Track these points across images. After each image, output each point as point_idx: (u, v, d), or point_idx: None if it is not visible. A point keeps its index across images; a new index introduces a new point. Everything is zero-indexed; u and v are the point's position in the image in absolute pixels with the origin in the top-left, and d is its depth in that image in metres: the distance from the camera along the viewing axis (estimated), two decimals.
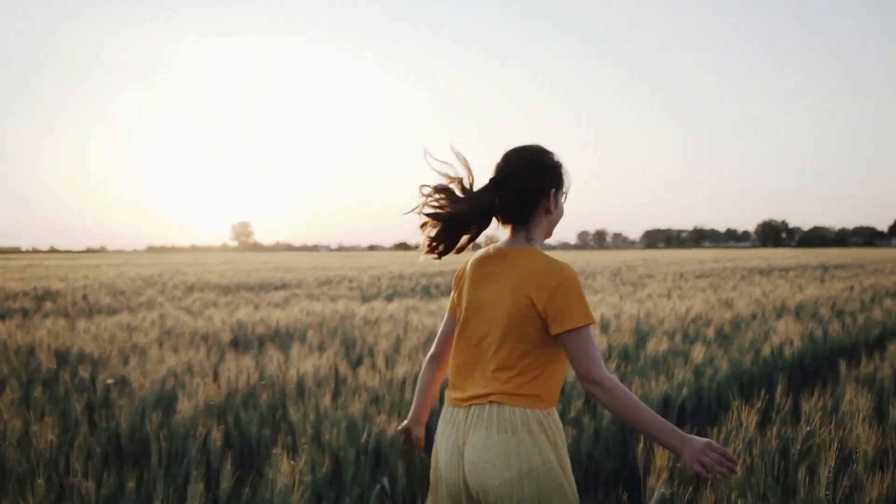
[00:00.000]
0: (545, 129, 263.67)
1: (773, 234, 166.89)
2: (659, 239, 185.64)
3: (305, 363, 4.63)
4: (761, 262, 19.17)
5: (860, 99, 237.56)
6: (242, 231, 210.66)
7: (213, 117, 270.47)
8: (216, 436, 3.46)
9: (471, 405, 1.91)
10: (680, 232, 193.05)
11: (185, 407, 3.69)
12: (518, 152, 1.96)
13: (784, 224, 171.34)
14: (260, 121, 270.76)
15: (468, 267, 2.03)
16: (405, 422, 2.18)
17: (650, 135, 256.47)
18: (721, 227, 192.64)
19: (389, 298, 11.68)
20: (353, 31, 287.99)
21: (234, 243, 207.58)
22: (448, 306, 2.12)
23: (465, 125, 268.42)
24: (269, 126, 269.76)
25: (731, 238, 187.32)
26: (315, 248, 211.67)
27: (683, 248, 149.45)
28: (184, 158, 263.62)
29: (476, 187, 1.94)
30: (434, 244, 1.94)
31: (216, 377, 4.55)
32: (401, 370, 4.42)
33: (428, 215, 1.93)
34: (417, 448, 2.17)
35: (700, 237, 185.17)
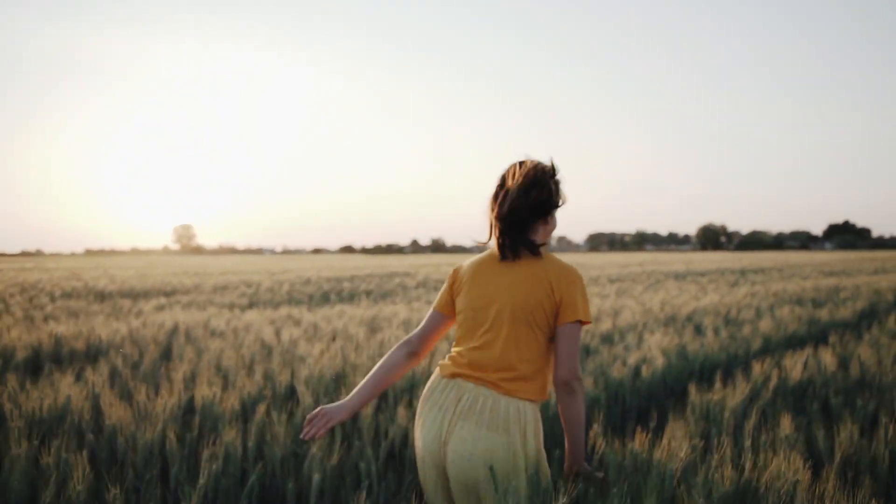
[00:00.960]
0: (490, 130, 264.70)
1: (712, 238, 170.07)
2: (602, 242, 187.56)
3: (63, 391, 3.78)
4: (681, 265, 18.80)
5: (797, 108, 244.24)
6: (184, 234, 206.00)
7: (156, 118, 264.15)
8: None
9: (468, 380, 2.04)
10: (623, 235, 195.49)
11: None
12: (539, 169, 2.09)
13: (723, 228, 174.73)
14: (204, 122, 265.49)
15: (469, 267, 2.17)
16: (343, 406, 2.14)
17: (595, 139, 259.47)
18: (663, 231, 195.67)
19: (277, 306, 10.85)
20: (296, 33, 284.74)
21: (175, 246, 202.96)
22: (436, 304, 2.22)
23: (409, 126, 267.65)
24: (213, 127, 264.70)
25: (673, 241, 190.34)
26: (259, 251, 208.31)
27: (626, 252, 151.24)
28: (126, 159, 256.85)
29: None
30: (506, 243, 2.10)
31: None
32: (200, 393, 3.62)
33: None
34: (318, 434, 2.10)
35: (642, 241, 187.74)
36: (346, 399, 2.16)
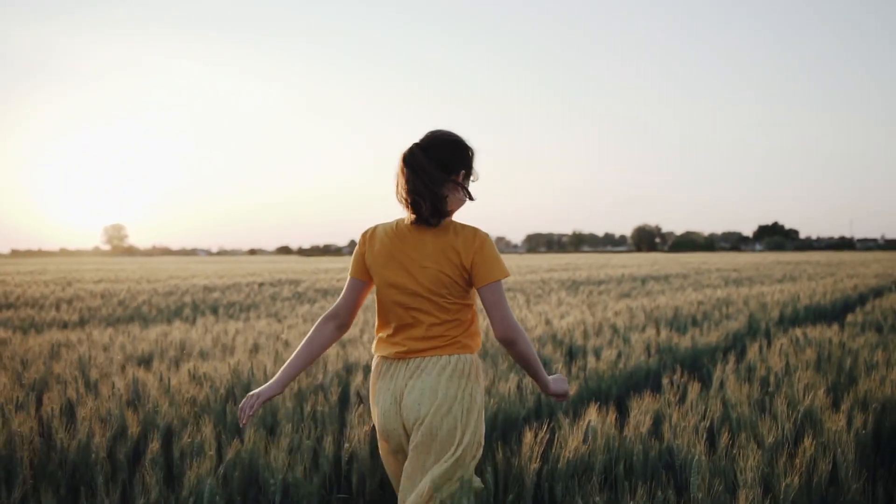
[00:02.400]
0: (426, 129, 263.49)
1: (647, 239, 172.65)
2: (541, 243, 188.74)
3: None
4: (584, 273, 17.95)
5: (729, 112, 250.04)
6: (115, 234, 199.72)
7: (87, 115, 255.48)
8: None
9: (410, 358, 2.16)
10: (561, 236, 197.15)
11: None
12: (437, 133, 2.23)
13: (658, 229, 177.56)
14: (137, 120, 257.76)
15: (379, 238, 2.22)
16: (269, 387, 2.24)
17: (533, 141, 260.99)
18: (599, 232, 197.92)
19: (113, 323, 9.57)
20: (228, 34, 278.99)
21: (106, 247, 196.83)
22: (351, 271, 2.28)
23: (347, 125, 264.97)
24: (148, 125, 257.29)
25: (609, 242, 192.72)
26: (194, 252, 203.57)
27: (564, 252, 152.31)
28: (54, 156, 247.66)
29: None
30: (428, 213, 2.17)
31: None
32: None
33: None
34: (247, 417, 2.19)
35: (580, 241, 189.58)
36: (275, 377, 2.26)
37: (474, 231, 2.18)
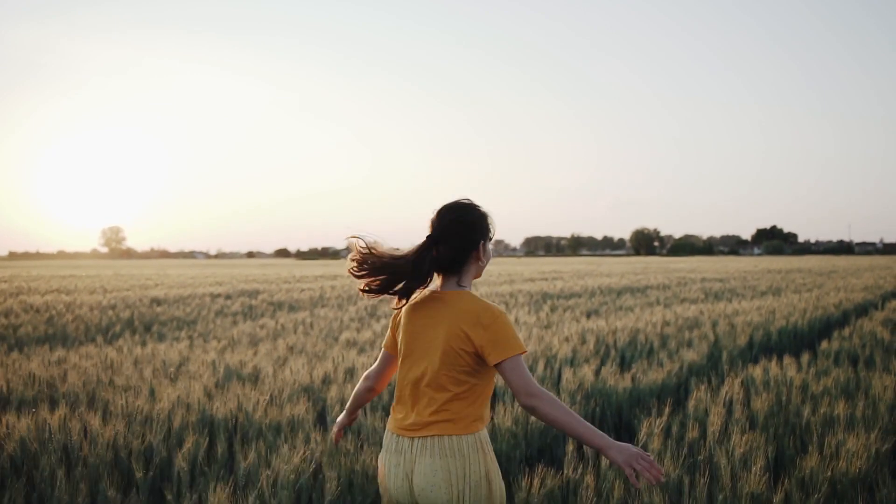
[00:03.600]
0: (425, 133, 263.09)
1: (645, 242, 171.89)
2: (539, 246, 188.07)
3: None
4: (558, 286, 17.04)
5: (728, 115, 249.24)
6: (113, 236, 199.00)
7: (85, 117, 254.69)
8: None
9: (415, 437, 2.22)
10: (559, 239, 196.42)
11: None
12: (450, 212, 2.26)
13: (656, 232, 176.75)
14: (135, 122, 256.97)
15: (405, 309, 2.32)
16: (341, 419, 2.62)
17: (531, 143, 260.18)
18: (598, 235, 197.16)
19: None
20: (228, 36, 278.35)
21: (104, 249, 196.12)
22: (384, 343, 2.45)
23: (340, 127, 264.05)
24: (146, 127, 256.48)
25: (608, 245, 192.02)
26: (192, 255, 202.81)
27: (562, 256, 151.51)
28: (52, 158, 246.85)
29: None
30: (375, 288, 2.25)
31: None
32: None
33: (371, 265, 2.23)
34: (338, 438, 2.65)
35: (578, 244, 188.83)
36: (344, 414, 2.61)
37: (486, 307, 2.20)
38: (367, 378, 2.52)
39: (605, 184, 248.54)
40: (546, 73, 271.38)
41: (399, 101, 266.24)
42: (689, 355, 6.62)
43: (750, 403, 4.69)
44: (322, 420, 4.67)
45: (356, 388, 2.55)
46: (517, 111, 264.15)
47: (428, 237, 2.24)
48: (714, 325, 8.96)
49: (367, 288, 2.26)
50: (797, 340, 8.70)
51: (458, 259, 2.24)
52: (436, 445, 2.18)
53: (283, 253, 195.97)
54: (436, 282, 2.30)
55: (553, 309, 11.67)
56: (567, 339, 7.52)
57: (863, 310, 11.48)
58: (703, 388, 4.89)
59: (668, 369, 6.03)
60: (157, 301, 14.36)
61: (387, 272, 2.23)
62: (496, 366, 2.15)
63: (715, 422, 4.10)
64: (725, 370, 5.76)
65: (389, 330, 2.43)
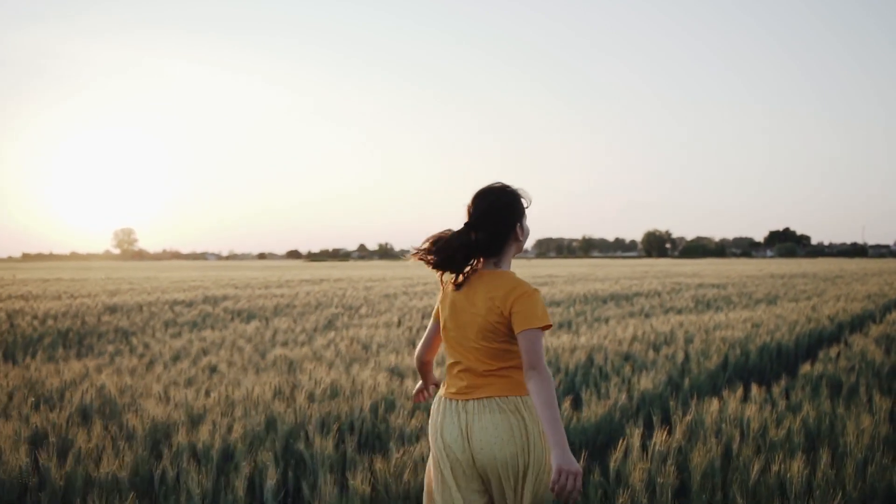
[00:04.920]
0: (437, 134, 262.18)
1: (657, 244, 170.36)
2: (551, 248, 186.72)
3: None
4: (547, 290, 16.08)
5: (740, 117, 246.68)
6: (125, 238, 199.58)
7: (97, 120, 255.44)
8: None
9: (469, 399, 2.34)
10: (571, 241, 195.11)
11: None
12: (484, 198, 2.38)
13: (668, 234, 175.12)
14: (148, 123, 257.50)
15: (448, 286, 2.47)
16: (419, 385, 2.79)
17: (542, 144, 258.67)
18: (610, 237, 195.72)
19: None
20: (239, 38, 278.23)
21: (116, 251, 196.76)
22: (434, 313, 2.60)
23: (356, 130, 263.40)
24: (158, 129, 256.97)
25: (619, 247, 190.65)
26: (203, 256, 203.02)
27: (573, 258, 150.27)
28: (65, 160, 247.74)
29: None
30: (441, 269, 2.39)
31: None
32: None
33: (428, 253, 2.38)
34: (425, 396, 2.80)
35: (589, 246, 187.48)
36: (422, 383, 2.77)
37: (518, 284, 2.33)
38: (418, 355, 2.70)
39: (617, 185, 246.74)
40: (558, 77, 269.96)
41: (410, 104, 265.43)
42: (644, 383, 5.70)
43: (689, 457, 3.77)
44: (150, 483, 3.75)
45: (417, 366, 2.74)
46: (528, 114, 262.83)
47: (465, 224, 2.37)
48: (688, 341, 8.02)
49: (430, 263, 2.39)
50: (779, 361, 7.75)
51: (495, 243, 2.37)
52: (493, 404, 2.30)
53: (294, 254, 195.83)
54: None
55: None
56: None
57: (860, 322, 10.49)
58: (637, 433, 3.97)
59: (613, 402, 5.12)
60: (111, 309, 13.54)
61: (445, 250, 2.35)
62: (518, 335, 2.27)
63: (636, 485, 3.20)
64: (672, 407, 4.83)
65: (438, 302, 2.56)
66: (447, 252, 2.34)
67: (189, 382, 6.14)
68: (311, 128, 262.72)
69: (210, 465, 3.76)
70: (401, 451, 3.58)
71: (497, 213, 2.35)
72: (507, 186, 2.40)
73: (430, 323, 2.62)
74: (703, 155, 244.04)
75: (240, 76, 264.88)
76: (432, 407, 2.46)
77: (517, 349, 2.31)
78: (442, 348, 2.60)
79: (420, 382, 2.77)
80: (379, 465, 3.46)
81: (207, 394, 5.33)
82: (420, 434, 4.32)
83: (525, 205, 2.41)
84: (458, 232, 2.35)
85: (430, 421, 2.45)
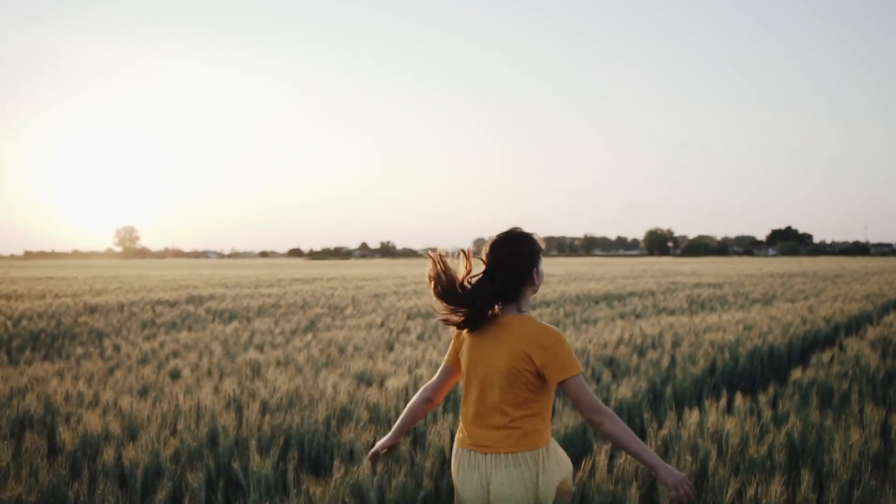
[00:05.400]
0: (439, 133, 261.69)
1: (659, 243, 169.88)
2: (553, 247, 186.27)
3: None
4: (540, 289, 15.75)
5: (744, 115, 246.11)
6: (127, 236, 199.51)
7: (99, 118, 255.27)
8: None
9: (488, 453, 2.42)
10: (573, 239, 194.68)
11: None
12: (502, 246, 2.46)
13: (670, 232, 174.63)
14: (150, 122, 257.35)
15: (468, 333, 2.52)
16: (386, 438, 2.78)
17: (544, 143, 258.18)
18: (612, 235, 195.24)
19: None
20: (242, 38, 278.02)
21: (118, 248, 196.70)
22: (446, 359, 2.65)
23: (358, 129, 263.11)
24: (160, 127, 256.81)
25: (622, 246, 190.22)
26: (205, 255, 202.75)
27: (575, 256, 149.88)
28: (66, 158, 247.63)
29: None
30: (471, 326, 2.47)
31: None
32: None
33: (442, 286, 2.44)
34: (380, 456, 2.82)
35: (591, 245, 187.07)
36: (391, 430, 2.77)
37: (544, 331, 2.40)
38: (425, 390, 2.69)
39: (619, 184, 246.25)
40: (558, 77, 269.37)
41: (412, 103, 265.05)
42: (623, 391, 5.37)
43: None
44: None
45: (411, 402, 2.71)
46: (529, 114, 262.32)
47: (484, 272, 2.46)
48: (676, 345, 7.69)
49: (443, 317, 2.48)
50: (771, 365, 7.42)
51: (514, 288, 2.44)
52: (510, 459, 2.39)
53: (296, 252, 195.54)
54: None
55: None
56: None
57: (857, 324, 10.14)
58: (603, 450, 3.64)
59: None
60: (91, 309, 13.23)
61: (448, 299, 2.44)
62: (560, 384, 2.37)
63: None
64: (647, 419, 4.50)
65: (452, 346, 2.61)
66: (475, 308, 2.42)
67: (144, 390, 5.83)
68: (314, 126, 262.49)
69: (135, 486, 3.44)
70: (341, 472, 3.25)
71: (516, 260, 2.43)
72: (524, 233, 2.49)
73: (442, 366, 2.66)
74: (705, 154, 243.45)
75: (243, 75, 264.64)
76: (452, 455, 2.57)
77: (539, 398, 2.43)
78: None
79: (387, 437, 2.77)
80: (314, 488, 3.14)
81: (156, 403, 5.01)
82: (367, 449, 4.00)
83: (540, 252, 2.51)
84: (480, 282, 2.44)
85: (451, 467, 2.58)
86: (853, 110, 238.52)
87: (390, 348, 8.01)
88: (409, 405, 2.72)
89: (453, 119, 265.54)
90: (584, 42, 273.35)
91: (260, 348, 8.29)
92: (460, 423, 2.54)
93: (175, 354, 8.13)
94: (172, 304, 14.33)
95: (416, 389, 5.14)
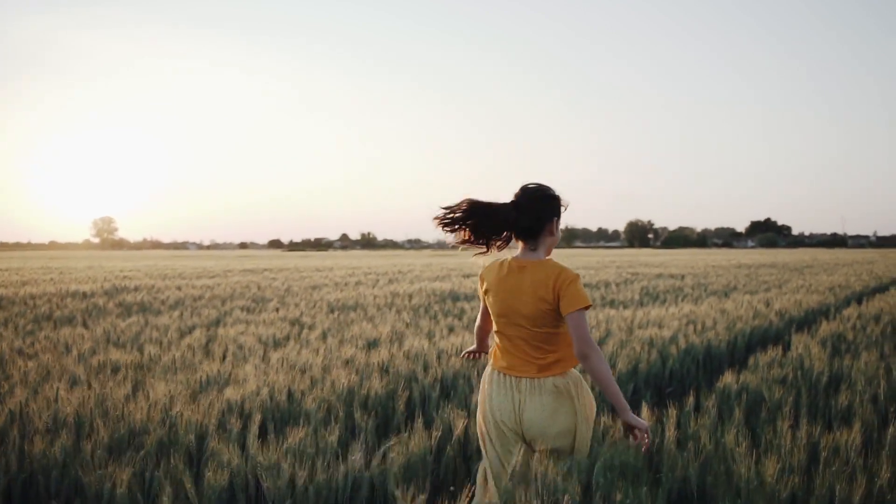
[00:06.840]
0: (421, 125, 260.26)
1: (639, 234, 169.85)
2: None
3: None
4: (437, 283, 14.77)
5: (723, 108, 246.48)
6: (105, 227, 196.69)
7: (78, 109, 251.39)
8: None
9: (522, 377, 2.63)
10: None
11: None
12: (532, 189, 2.65)
13: (650, 224, 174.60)
14: (129, 113, 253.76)
15: (491, 272, 2.75)
16: (471, 348, 3.19)
17: (526, 135, 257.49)
18: (593, 227, 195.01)
19: None
20: (223, 30, 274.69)
21: (96, 240, 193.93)
22: (482, 300, 2.83)
23: (338, 120, 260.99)
24: (139, 119, 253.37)
25: (603, 237, 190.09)
26: (184, 246, 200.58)
27: (556, 248, 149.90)
28: (42, 148, 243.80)
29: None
30: (478, 241, 2.62)
31: None
32: None
33: (464, 221, 2.60)
34: (474, 356, 3.19)
35: (572, 237, 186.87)
36: (475, 346, 3.14)
37: (562, 270, 2.58)
38: (477, 326, 3.03)
39: (601, 176, 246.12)
40: (542, 69, 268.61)
41: (396, 97, 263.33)
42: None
43: None
44: None
45: (476, 334, 3.07)
46: (513, 106, 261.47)
47: (512, 202, 2.63)
48: (600, 343, 6.71)
49: (475, 244, 2.63)
50: (705, 367, 6.46)
51: (535, 227, 2.63)
52: (544, 385, 2.59)
53: (275, 244, 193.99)
54: (517, 251, 2.70)
55: (434, 317, 9.42)
56: (356, 368, 5.31)
57: (813, 318, 9.23)
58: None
59: (444, 434, 3.80)
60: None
61: (481, 216, 2.57)
62: (565, 316, 2.54)
63: None
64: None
65: (481, 292, 2.80)
66: (490, 220, 2.58)
67: None
68: (296, 118, 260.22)
69: None
70: None
71: (541, 202, 2.63)
72: (551, 188, 2.68)
73: (480, 305, 2.89)
74: (686, 147, 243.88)
75: (223, 67, 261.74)
76: (483, 377, 2.78)
77: (563, 332, 2.62)
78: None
79: (475, 345, 3.13)
80: None
81: None
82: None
83: (562, 210, 2.68)
84: (505, 206, 2.59)
85: (480, 389, 2.77)
86: (834, 105, 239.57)
87: (277, 346, 6.98)
88: (476, 333, 3.07)
89: (436, 112, 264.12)
90: (568, 34, 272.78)
91: (122, 347, 7.21)
92: (494, 347, 2.77)
93: (29, 356, 7.06)
94: (86, 296, 13.21)
95: (257, 406, 4.13)
